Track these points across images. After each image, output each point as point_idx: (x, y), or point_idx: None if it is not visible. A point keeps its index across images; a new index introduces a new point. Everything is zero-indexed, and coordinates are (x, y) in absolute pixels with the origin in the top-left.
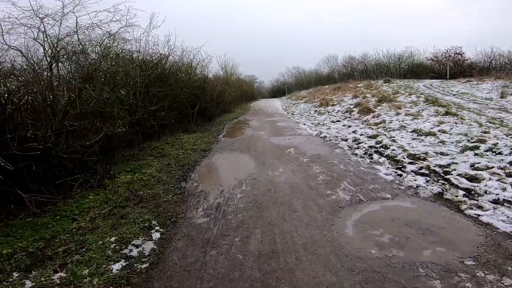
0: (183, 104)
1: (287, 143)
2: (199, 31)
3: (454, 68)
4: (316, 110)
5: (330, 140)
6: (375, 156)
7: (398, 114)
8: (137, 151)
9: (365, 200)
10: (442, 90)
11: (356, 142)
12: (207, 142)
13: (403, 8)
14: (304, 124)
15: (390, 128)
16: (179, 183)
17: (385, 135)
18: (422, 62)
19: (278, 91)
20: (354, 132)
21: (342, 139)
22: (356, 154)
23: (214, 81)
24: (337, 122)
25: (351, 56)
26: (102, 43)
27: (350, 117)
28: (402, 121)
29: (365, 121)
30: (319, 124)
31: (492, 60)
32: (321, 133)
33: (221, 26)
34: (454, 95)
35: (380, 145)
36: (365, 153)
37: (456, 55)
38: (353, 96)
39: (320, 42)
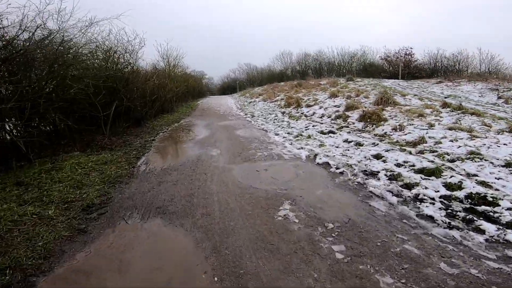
0: (85, 103)
1: (268, 181)
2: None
3: (403, 68)
4: (284, 112)
5: (342, 172)
6: (490, 229)
7: (431, 126)
8: None
9: None
10: (424, 91)
11: (399, 183)
12: (108, 179)
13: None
14: (277, 135)
15: (448, 154)
16: None
17: (454, 170)
18: (374, 61)
19: (228, 88)
20: (377, 158)
21: (365, 173)
22: (433, 218)
23: (149, 72)
24: (332, 135)
25: (306, 53)
26: None
27: (348, 127)
28: (455, 140)
29: (382, 136)
30: (302, 135)
31: (436, 62)
32: (316, 155)
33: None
34: (445, 97)
35: (465, 194)
36: (453, 216)
37: (406, 55)
38: (331, 95)
39: (274, 41)
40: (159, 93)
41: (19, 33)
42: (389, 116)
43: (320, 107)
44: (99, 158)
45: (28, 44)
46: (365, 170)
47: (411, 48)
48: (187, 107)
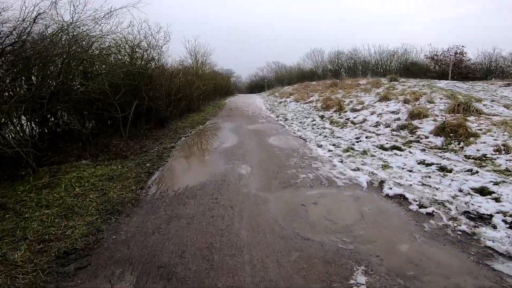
0: (100, 103)
1: (322, 225)
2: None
3: (453, 68)
4: (323, 116)
5: (431, 214)
6: None
7: None
8: None
9: None
10: (494, 95)
11: None
12: (106, 206)
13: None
14: (320, 146)
15: None
16: None
17: None
18: (417, 60)
19: (256, 87)
20: (483, 193)
21: (469, 216)
22: None
23: (175, 69)
24: (398, 152)
25: (339, 51)
26: None
27: (419, 142)
28: None
29: (479, 159)
30: (353, 149)
31: (491, 61)
32: (382, 182)
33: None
34: None
35: None
36: None
37: (457, 54)
38: (381, 98)
39: (302, 39)
40: (185, 91)
41: (17, 24)
42: (478, 129)
43: (372, 113)
44: (106, 171)
45: (25, 36)
46: (468, 212)
47: (462, 46)
48: (214, 106)
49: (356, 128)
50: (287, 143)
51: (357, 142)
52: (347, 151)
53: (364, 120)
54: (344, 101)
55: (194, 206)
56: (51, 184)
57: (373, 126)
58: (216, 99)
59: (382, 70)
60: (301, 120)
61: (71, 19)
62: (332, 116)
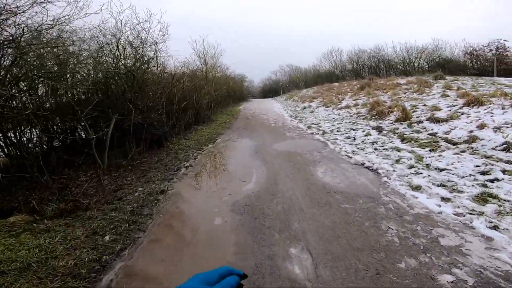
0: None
1: None
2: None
3: (498, 64)
4: (380, 128)
5: None
6: None
7: None
8: None
9: None
10: None
11: None
12: None
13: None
14: (417, 189)
15: None
16: None
17: None
18: (452, 57)
19: (270, 91)
20: None
21: None
22: None
23: (182, 72)
24: None
25: (360, 49)
26: None
27: None
28: None
29: None
30: (492, 196)
31: None
32: None
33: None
34: None
35: None
36: None
37: (500, 49)
38: (469, 102)
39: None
40: (192, 99)
41: None
42: None
43: (480, 126)
44: (22, 255)
45: None
46: None
47: (504, 40)
48: (228, 115)
49: (463, 151)
50: (350, 181)
51: (490, 181)
52: (485, 201)
53: (474, 139)
54: (408, 107)
55: None
56: None
57: (502, 150)
58: (229, 106)
59: (408, 68)
60: (348, 134)
61: None
62: (397, 129)
